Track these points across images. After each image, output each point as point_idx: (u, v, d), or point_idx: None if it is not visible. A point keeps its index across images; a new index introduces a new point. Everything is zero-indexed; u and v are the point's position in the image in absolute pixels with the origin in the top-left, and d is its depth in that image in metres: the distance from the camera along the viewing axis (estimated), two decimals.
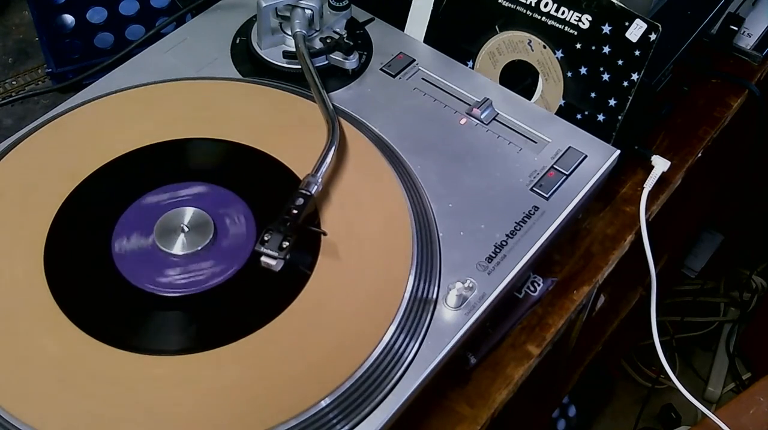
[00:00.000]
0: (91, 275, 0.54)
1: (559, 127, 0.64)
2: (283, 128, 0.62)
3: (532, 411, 0.95)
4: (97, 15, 0.78)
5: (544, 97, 0.67)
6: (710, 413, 0.76)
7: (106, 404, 0.47)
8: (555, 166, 0.61)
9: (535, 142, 0.63)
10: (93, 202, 0.57)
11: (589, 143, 0.63)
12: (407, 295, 0.52)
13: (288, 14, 0.66)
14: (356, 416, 0.47)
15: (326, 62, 0.67)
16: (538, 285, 0.63)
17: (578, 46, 0.64)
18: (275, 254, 0.51)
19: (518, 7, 0.65)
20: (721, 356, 1.49)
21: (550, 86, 0.66)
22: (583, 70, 0.64)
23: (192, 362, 0.49)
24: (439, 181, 0.60)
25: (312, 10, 0.66)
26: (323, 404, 0.47)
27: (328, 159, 0.57)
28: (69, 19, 0.77)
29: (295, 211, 0.53)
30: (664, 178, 0.71)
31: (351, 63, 0.66)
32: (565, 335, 0.72)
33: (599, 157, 0.62)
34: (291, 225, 0.52)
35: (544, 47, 0.65)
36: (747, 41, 0.84)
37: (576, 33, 0.63)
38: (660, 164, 0.70)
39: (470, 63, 0.69)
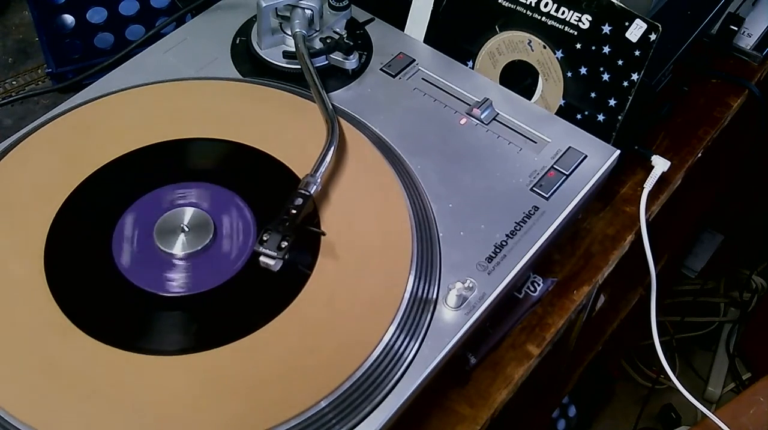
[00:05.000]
0: (91, 275, 0.53)
1: (559, 127, 0.64)
2: (283, 128, 0.62)
3: (532, 411, 0.95)
4: (97, 15, 0.78)
5: (544, 97, 0.67)
6: (710, 413, 0.76)
7: (106, 404, 0.47)
8: (555, 166, 0.61)
9: (535, 142, 0.63)
10: (93, 203, 0.57)
11: (589, 143, 0.63)
12: (407, 295, 0.52)
13: (288, 14, 0.66)
14: (356, 416, 0.47)
15: (326, 62, 0.67)
16: (538, 285, 0.63)
17: (578, 46, 0.64)
18: (274, 253, 0.51)
19: (518, 7, 0.65)
20: (721, 356, 1.49)
21: (550, 86, 0.66)
22: (583, 70, 0.64)
23: (192, 362, 0.49)
24: (439, 181, 0.60)
25: (312, 10, 0.66)
26: (323, 404, 0.47)
27: (328, 159, 0.57)
28: (69, 19, 0.77)
29: (293, 211, 0.53)
30: (664, 178, 0.71)
31: (351, 63, 0.66)
32: (565, 335, 0.72)
33: (599, 158, 0.62)
34: (290, 225, 0.52)
35: (544, 47, 0.65)
36: (747, 41, 0.84)
37: (576, 33, 0.63)
38: (660, 164, 0.70)
39: (470, 63, 0.69)
